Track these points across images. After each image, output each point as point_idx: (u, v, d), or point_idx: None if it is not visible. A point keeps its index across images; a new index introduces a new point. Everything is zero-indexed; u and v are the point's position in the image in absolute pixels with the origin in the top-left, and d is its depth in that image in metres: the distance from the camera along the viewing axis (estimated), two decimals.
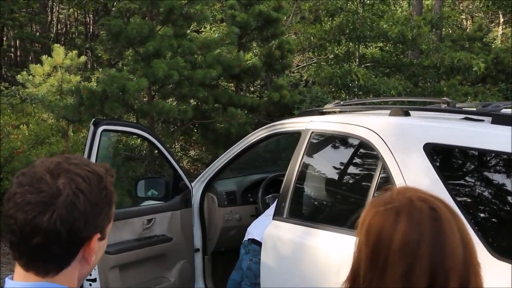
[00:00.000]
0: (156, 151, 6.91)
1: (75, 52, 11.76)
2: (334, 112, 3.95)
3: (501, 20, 20.59)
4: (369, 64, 12.27)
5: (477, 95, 11.05)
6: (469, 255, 1.27)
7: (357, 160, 3.38)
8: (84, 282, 3.76)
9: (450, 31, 16.20)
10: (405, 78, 11.05)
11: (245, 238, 4.09)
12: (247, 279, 3.95)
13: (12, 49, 22.56)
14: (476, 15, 21.69)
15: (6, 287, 1.25)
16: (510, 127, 2.56)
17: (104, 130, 3.88)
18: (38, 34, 21.72)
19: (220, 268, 4.99)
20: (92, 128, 3.83)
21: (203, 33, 13.26)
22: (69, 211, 1.18)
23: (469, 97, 10.86)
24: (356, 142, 3.30)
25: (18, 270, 1.24)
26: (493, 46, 15.80)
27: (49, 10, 24.29)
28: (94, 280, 3.75)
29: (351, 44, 11.99)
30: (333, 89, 10.84)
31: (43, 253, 1.20)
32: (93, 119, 3.93)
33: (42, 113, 12.28)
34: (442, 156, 2.85)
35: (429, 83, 11.26)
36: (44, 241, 1.18)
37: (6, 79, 18.52)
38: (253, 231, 4.02)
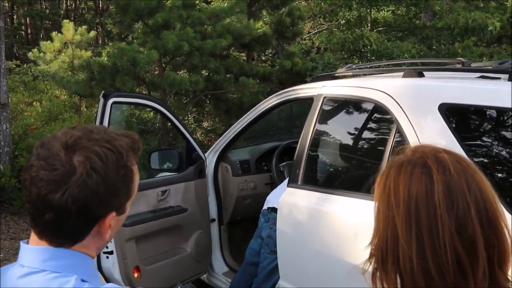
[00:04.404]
0: (169, 123, 6.89)
1: (84, 27, 11.71)
2: (346, 77, 3.88)
3: None
4: (381, 28, 12.07)
5: (493, 56, 10.84)
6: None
7: (371, 124, 3.32)
8: (101, 254, 3.77)
9: None
10: (419, 41, 10.83)
11: (264, 207, 4.07)
12: (267, 247, 3.93)
13: (23, 27, 22.53)
14: None
15: (22, 250, 1.26)
16: None
17: (114, 102, 3.83)
18: (47, 11, 21.65)
19: (236, 238, 5.00)
20: (102, 100, 3.79)
21: (212, 3, 13.12)
22: (81, 191, 1.16)
23: (485, 58, 10.66)
24: (369, 106, 3.24)
25: (33, 236, 1.25)
26: (509, 5, 15.44)
27: None
28: (111, 252, 3.76)
29: (362, 8, 11.78)
30: (346, 55, 10.67)
31: (55, 228, 1.20)
32: (103, 92, 3.89)
33: (55, 89, 12.35)
34: (458, 117, 2.79)
35: (443, 46, 11.05)
36: (56, 217, 1.18)
37: (18, 57, 18.58)
38: (272, 200, 3.99)
